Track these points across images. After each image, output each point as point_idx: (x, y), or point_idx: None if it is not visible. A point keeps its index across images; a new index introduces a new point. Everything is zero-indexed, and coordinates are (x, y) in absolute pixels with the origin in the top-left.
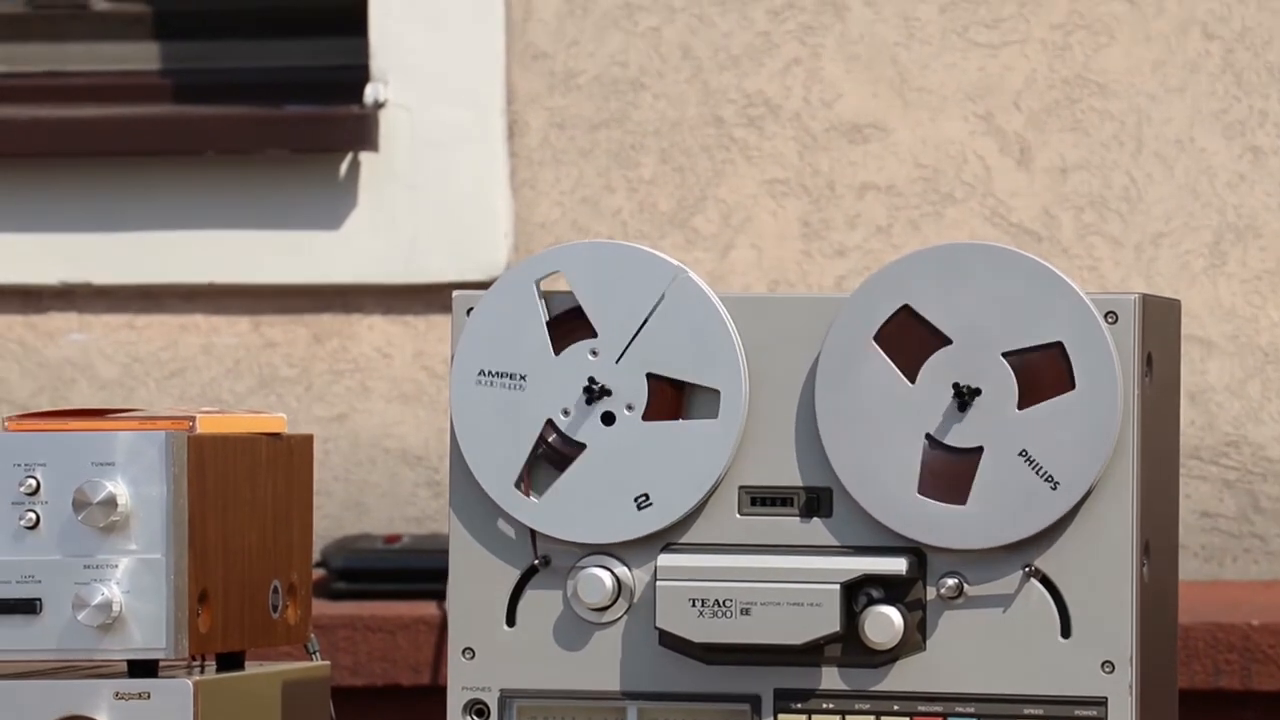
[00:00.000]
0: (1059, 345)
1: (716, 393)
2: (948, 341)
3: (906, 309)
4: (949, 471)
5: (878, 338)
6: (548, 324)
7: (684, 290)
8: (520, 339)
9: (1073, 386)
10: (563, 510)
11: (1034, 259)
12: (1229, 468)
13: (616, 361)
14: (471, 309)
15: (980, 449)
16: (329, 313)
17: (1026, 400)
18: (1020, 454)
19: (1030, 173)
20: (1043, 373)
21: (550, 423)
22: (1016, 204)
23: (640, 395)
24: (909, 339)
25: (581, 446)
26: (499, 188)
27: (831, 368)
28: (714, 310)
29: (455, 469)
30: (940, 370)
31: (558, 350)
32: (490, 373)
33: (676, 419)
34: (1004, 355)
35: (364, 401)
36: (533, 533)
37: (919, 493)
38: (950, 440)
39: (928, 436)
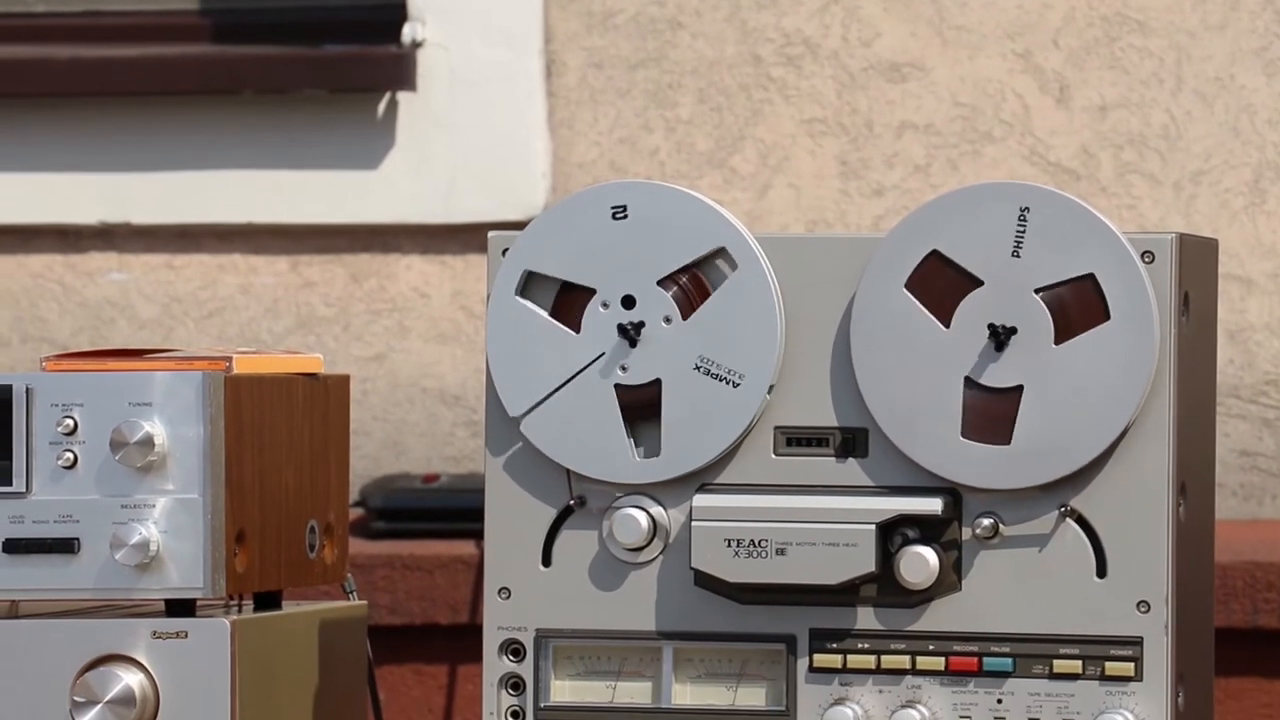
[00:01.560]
0: (1091, 277)
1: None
2: (979, 283)
3: (936, 253)
4: (991, 412)
5: (910, 282)
6: (552, 305)
7: (736, 249)
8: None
9: (1107, 317)
10: (599, 450)
11: (1070, 198)
12: (1269, 406)
13: (626, 305)
14: (507, 250)
15: (1020, 388)
16: (367, 253)
17: (1062, 335)
18: (1060, 390)
19: (1069, 111)
20: (1077, 307)
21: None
22: (1055, 143)
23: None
24: (941, 282)
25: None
26: (537, 128)
27: (867, 308)
28: (775, 332)
29: (491, 409)
30: (975, 311)
31: (577, 327)
32: (535, 290)
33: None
34: (1036, 292)
35: (402, 341)
36: (569, 473)
37: (962, 435)
38: (989, 381)
39: (966, 379)
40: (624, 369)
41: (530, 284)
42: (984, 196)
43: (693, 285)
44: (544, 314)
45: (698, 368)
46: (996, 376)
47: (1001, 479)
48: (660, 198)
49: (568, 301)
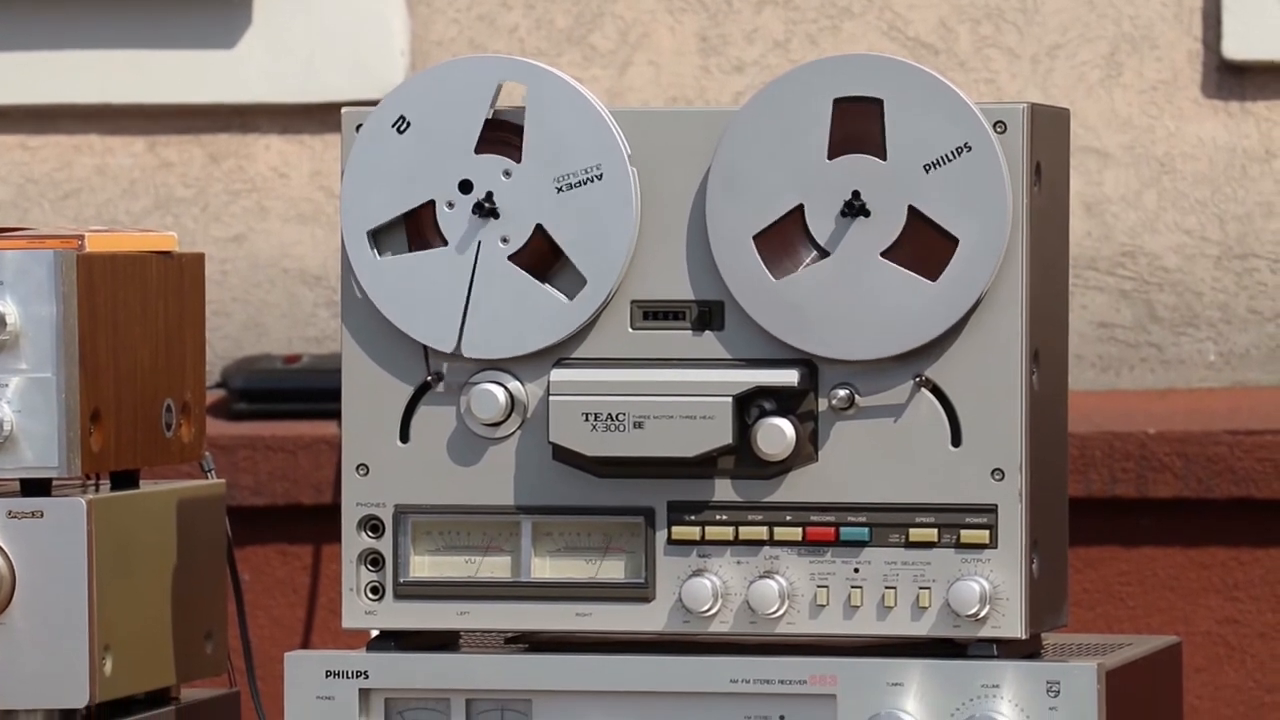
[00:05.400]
0: (955, 240)
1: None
2: (884, 156)
3: (879, 103)
4: (796, 254)
5: (841, 101)
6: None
7: (518, 74)
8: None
9: (934, 279)
10: (456, 326)
11: (925, 70)
12: (1125, 278)
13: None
14: (360, 125)
15: (826, 253)
16: (225, 133)
17: (891, 255)
18: (854, 285)
19: None
20: (925, 246)
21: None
22: (914, 17)
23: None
24: (862, 126)
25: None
26: (395, 5)
27: (724, 176)
28: (598, 116)
29: (347, 287)
30: (859, 171)
31: (442, 240)
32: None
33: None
34: (910, 209)
35: (261, 222)
36: (425, 349)
37: (751, 237)
38: (816, 231)
39: (801, 207)
40: (505, 240)
41: (380, 237)
42: (846, 67)
43: (508, 132)
44: (408, 255)
45: (559, 190)
46: (823, 232)
47: (855, 350)
48: (424, 86)
49: (418, 224)
